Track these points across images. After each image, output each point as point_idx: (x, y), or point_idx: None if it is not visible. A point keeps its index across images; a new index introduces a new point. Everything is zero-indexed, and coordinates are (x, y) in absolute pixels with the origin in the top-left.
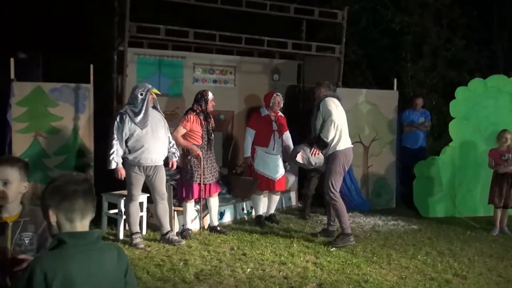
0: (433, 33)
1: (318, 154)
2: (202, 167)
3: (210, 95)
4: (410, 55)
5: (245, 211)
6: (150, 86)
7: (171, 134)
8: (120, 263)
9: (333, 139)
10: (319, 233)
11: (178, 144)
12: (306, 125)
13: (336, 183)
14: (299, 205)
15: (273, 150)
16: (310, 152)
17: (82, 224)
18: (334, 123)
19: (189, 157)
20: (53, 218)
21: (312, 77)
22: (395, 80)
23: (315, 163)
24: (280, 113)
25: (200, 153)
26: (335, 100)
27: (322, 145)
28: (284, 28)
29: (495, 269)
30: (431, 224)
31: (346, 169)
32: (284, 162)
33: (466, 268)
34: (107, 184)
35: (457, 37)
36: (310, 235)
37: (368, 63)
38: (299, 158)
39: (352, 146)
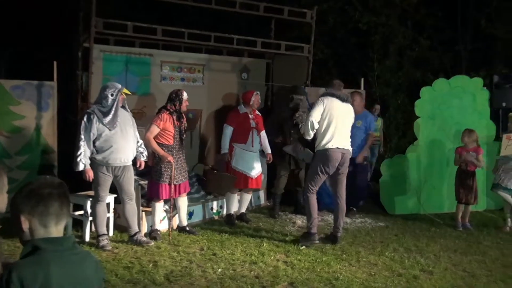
0: (399, 33)
1: (303, 149)
2: (172, 168)
3: (185, 95)
4: (376, 55)
5: (215, 211)
6: (120, 86)
7: (144, 134)
8: (98, 273)
9: (317, 139)
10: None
11: (149, 146)
12: (274, 123)
13: (314, 182)
14: (268, 204)
15: (252, 147)
16: (300, 147)
17: (57, 229)
18: (311, 122)
19: (158, 157)
20: (25, 225)
21: (281, 76)
22: (362, 80)
23: (303, 158)
24: (257, 112)
25: (172, 159)
26: (330, 99)
27: (305, 141)
28: (253, 27)
29: (460, 264)
30: (397, 221)
31: (329, 171)
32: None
33: (432, 263)
34: (72, 185)
35: (422, 38)
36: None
37: (335, 62)
38: (288, 149)
39: (340, 148)
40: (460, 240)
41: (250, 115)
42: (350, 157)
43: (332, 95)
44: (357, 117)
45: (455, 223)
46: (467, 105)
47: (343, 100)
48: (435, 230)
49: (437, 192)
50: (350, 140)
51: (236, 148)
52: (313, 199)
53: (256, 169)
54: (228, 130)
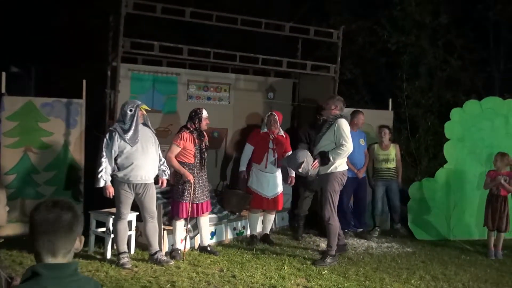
0: (429, 53)
1: (316, 167)
2: (193, 187)
3: (205, 113)
4: (406, 75)
5: (237, 231)
6: (139, 102)
7: (164, 154)
8: None
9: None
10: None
11: (171, 165)
12: (300, 143)
13: (336, 202)
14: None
15: (265, 168)
16: (311, 164)
17: (63, 255)
18: (348, 151)
19: (179, 176)
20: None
21: (307, 96)
22: (390, 100)
23: (310, 174)
24: (281, 133)
25: (192, 178)
26: None
27: (325, 162)
28: (280, 46)
29: None
30: (425, 247)
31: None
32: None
33: None
34: (97, 202)
35: (453, 58)
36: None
37: (364, 82)
38: (301, 169)
39: (347, 168)
40: (492, 269)
41: (270, 136)
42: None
43: (345, 117)
44: (360, 135)
45: (487, 251)
46: (499, 128)
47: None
48: (465, 257)
49: (468, 218)
50: None
51: (253, 167)
52: (337, 222)
53: (272, 191)
54: (247, 149)
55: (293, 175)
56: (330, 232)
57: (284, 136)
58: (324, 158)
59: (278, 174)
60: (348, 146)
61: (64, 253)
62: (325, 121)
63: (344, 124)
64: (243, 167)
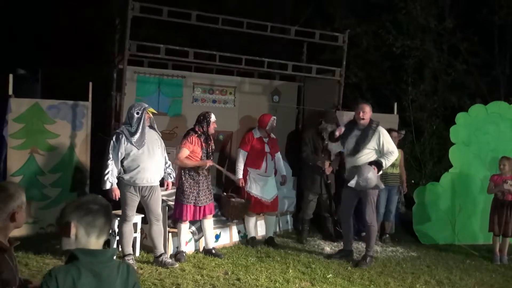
0: (434, 57)
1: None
2: (198, 188)
3: (213, 117)
4: (411, 78)
5: (242, 234)
6: (146, 105)
7: (174, 158)
8: (129, 279)
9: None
10: (335, 254)
11: (184, 165)
12: (304, 146)
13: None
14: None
15: (266, 172)
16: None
17: (97, 242)
18: (396, 156)
19: (183, 179)
20: (73, 230)
21: (312, 99)
22: (395, 104)
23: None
24: (272, 135)
25: (211, 162)
26: None
27: (380, 170)
28: (286, 49)
29: None
30: (430, 252)
31: None
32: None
33: None
34: None
35: (458, 62)
36: (326, 258)
37: (369, 86)
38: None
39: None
40: (497, 274)
41: (264, 139)
42: None
43: None
44: None
45: (492, 256)
46: (504, 132)
47: None
48: (470, 262)
49: (472, 222)
50: None
51: (250, 172)
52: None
53: (271, 193)
54: (242, 155)
55: (285, 174)
56: (371, 234)
57: (275, 138)
58: (379, 167)
59: (273, 177)
60: (396, 153)
61: (97, 237)
62: (364, 128)
63: (386, 132)
64: (240, 175)
